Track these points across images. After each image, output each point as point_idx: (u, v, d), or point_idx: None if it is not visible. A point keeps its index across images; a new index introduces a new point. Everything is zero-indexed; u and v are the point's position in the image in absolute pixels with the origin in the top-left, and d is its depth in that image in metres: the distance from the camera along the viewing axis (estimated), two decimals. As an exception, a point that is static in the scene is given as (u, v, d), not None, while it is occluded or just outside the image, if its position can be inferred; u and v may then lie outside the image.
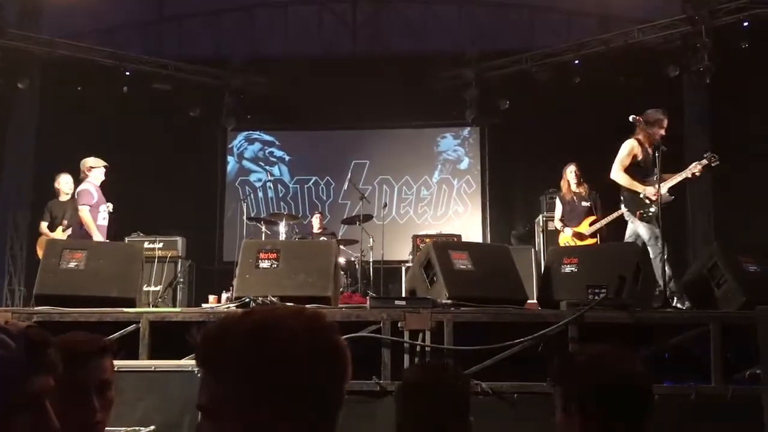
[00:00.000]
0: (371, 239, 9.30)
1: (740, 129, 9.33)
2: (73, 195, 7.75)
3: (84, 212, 6.85)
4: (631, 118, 5.80)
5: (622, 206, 6.29)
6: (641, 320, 4.56)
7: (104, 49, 10.66)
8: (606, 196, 7.99)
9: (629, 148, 6.14)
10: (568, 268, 5.19)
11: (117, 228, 8.66)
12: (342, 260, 9.20)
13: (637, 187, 6.01)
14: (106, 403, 1.94)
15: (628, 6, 10.95)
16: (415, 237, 9.12)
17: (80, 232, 6.97)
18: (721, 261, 4.96)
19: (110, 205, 7.44)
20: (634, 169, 6.09)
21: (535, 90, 10.58)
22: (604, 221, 7.53)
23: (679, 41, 9.85)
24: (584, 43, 10.38)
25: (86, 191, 6.99)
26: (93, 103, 10.49)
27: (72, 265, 5.13)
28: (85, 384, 1.87)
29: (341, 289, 8.50)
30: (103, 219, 7.08)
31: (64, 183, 7.75)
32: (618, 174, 6.13)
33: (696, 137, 10.38)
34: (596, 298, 4.68)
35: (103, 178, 7.21)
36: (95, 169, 7.19)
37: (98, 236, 6.88)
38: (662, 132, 6.08)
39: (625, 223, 7.97)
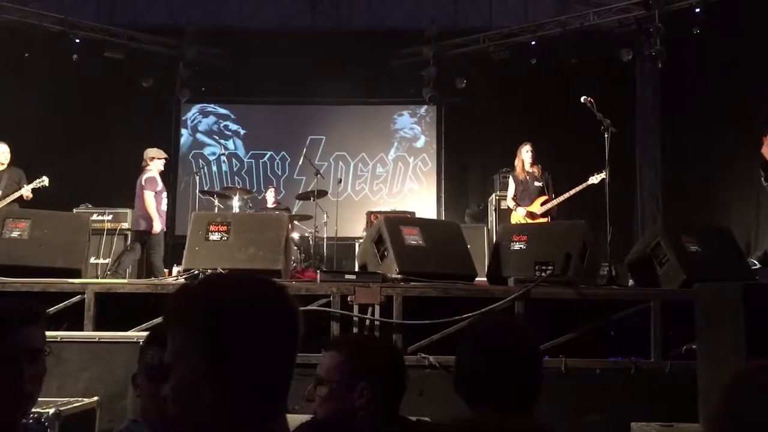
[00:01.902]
0: (325, 215, 9.28)
1: (690, 113, 9.55)
2: (9, 164, 7.56)
3: (149, 198, 7.45)
4: (582, 99, 5.86)
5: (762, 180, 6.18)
6: (586, 296, 4.67)
7: (54, 15, 10.31)
8: (558, 177, 8.13)
9: None
10: (516, 246, 5.27)
11: (65, 199, 8.52)
12: (296, 236, 9.17)
13: None
14: (38, 375, 1.79)
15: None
16: (369, 213, 9.13)
17: (140, 214, 7.54)
18: (664, 241, 5.09)
19: (45, 180, 7.36)
20: None
21: (492, 70, 10.63)
22: (555, 201, 7.63)
23: (633, 25, 9.98)
24: (541, 24, 10.45)
25: (153, 179, 7.59)
26: (41, 70, 10.15)
27: (15, 234, 5.02)
28: (14, 353, 1.73)
29: (294, 265, 8.49)
30: (164, 205, 7.69)
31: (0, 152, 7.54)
32: (765, 148, 6.09)
33: (647, 120, 10.62)
34: (543, 274, 4.78)
35: (162, 168, 7.80)
36: (156, 160, 7.75)
37: (158, 222, 7.44)
38: None
39: (578, 203, 8.16)
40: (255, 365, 1.13)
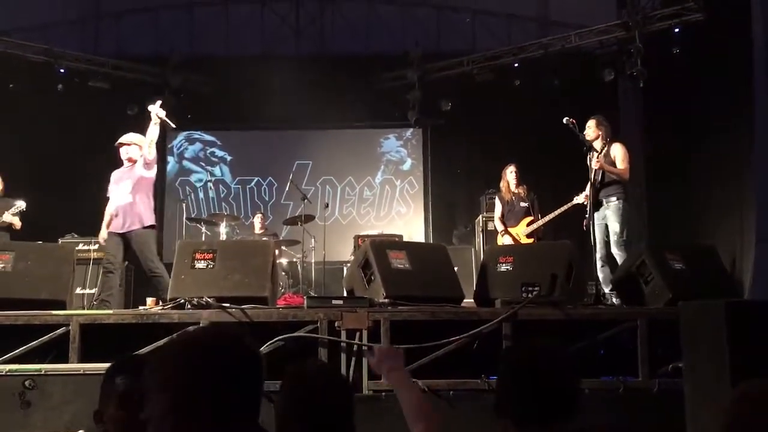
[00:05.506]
0: (313, 240, 9.27)
1: (672, 132, 9.63)
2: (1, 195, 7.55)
3: None
4: (564, 120, 5.90)
5: None
6: (572, 316, 4.67)
7: (38, 45, 10.33)
8: (543, 197, 8.16)
9: None
10: (503, 267, 5.27)
11: (52, 229, 8.47)
12: (284, 261, 9.15)
13: None
14: None
15: (567, 11, 11.20)
16: (357, 237, 9.13)
17: None
18: (649, 259, 5.11)
19: (23, 204, 7.30)
20: None
21: (477, 92, 10.72)
22: (541, 222, 7.67)
23: (614, 46, 10.12)
24: (524, 46, 10.57)
25: None
26: (26, 100, 10.15)
27: (-1, 266, 4.98)
28: None
29: (282, 290, 8.46)
30: (113, 206, 6.27)
31: None
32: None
33: (630, 138, 10.68)
34: (529, 295, 4.78)
35: (127, 156, 6.59)
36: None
37: (104, 228, 6.22)
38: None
39: (562, 223, 8.20)
40: (215, 400, 1.34)
